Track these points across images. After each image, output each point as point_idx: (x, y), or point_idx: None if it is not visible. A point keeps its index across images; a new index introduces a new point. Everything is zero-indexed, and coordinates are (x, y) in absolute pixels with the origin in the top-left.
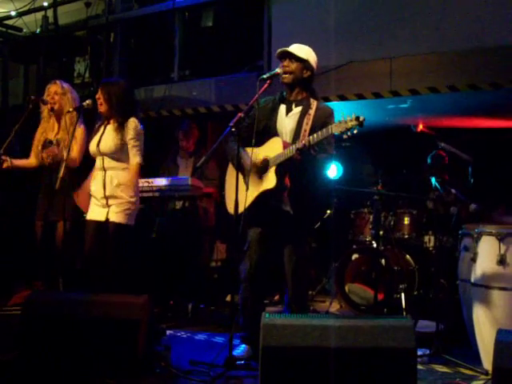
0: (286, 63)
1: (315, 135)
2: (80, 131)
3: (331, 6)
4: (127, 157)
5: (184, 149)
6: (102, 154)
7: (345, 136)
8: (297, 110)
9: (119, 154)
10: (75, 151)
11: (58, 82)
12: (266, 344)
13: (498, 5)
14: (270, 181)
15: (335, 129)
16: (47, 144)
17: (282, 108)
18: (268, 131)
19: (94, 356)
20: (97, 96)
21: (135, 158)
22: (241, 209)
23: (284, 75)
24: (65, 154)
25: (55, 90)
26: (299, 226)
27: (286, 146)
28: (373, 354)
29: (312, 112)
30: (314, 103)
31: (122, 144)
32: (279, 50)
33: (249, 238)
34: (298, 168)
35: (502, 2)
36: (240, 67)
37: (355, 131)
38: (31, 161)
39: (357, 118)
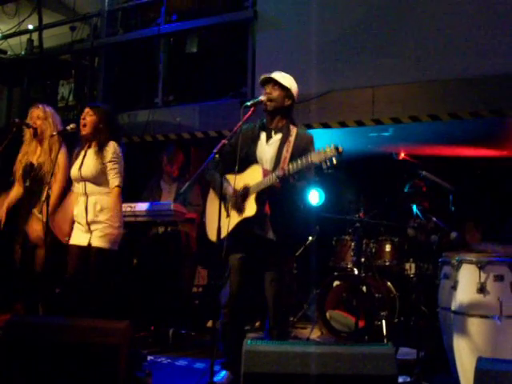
0: (268, 90)
1: (295, 164)
2: (62, 156)
3: (315, 35)
4: (108, 181)
5: (168, 173)
6: (84, 180)
7: (324, 165)
8: (277, 138)
9: (100, 178)
10: (59, 178)
11: (40, 106)
12: (248, 370)
13: (479, 36)
14: (251, 208)
15: (314, 158)
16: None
17: (263, 135)
18: (248, 158)
19: (74, 381)
20: (82, 117)
21: (114, 181)
22: (222, 235)
23: (267, 102)
24: (48, 179)
25: (37, 115)
26: (281, 253)
27: (265, 173)
28: (354, 381)
29: (292, 139)
30: (293, 130)
31: (102, 168)
32: (263, 77)
33: (230, 265)
34: (279, 195)
35: (483, 33)
36: (224, 94)
37: (334, 161)
38: (18, 190)
39: (336, 148)
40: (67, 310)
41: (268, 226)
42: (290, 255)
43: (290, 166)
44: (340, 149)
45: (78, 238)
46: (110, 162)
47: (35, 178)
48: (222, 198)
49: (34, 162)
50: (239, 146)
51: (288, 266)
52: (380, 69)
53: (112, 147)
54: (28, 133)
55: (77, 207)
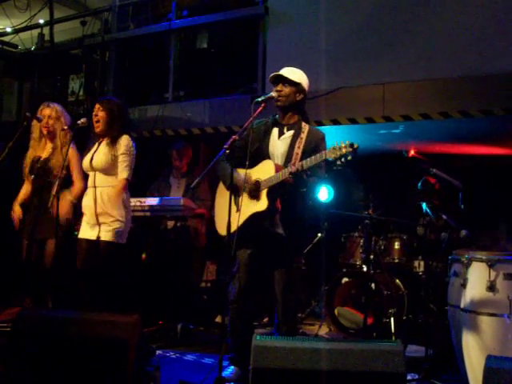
0: (279, 87)
1: (309, 160)
2: (72, 153)
3: (325, 31)
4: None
5: (177, 168)
6: (94, 170)
7: (338, 162)
8: (289, 134)
9: (110, 169)
10: (76, 177)
11: (51, 105)
12: (257, 366)
13: (490, 33)
14: (262, 203)
15: (329, 154)
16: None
17: (275, 131)
18: (260, 154)
19: (83, 375)
20: (94, 113)
21: (123, 173)
22: (231, 229)
23: (278, 99)
24: (57, 173)
25: (49, 114)
26: (290, 248)
27: (278, 169)
28: (363, 378)
29: (304, 136)
30: (305, 127)
31: (113, 159)
32: (272, 75)
33: (238, 260)
34: (290, 191)
35: (494, 31)
36: (234, 89)
37: (349, 158)
38: (27, 187)
39: (351, 145)
40: (76, 303)
41: (278, 222)
42: (298, 251)
43: (304, 162)
44: (355, 145)
45: (87, 232)
46: (122, 154)
47: (41, 172)
48: (233, 190)
49: (42, 156)
50: (250, 141)
51: (296, 263)
52: (391, 66)
53: (125, 140)
54: (37, 129)
55: (86, 198)
